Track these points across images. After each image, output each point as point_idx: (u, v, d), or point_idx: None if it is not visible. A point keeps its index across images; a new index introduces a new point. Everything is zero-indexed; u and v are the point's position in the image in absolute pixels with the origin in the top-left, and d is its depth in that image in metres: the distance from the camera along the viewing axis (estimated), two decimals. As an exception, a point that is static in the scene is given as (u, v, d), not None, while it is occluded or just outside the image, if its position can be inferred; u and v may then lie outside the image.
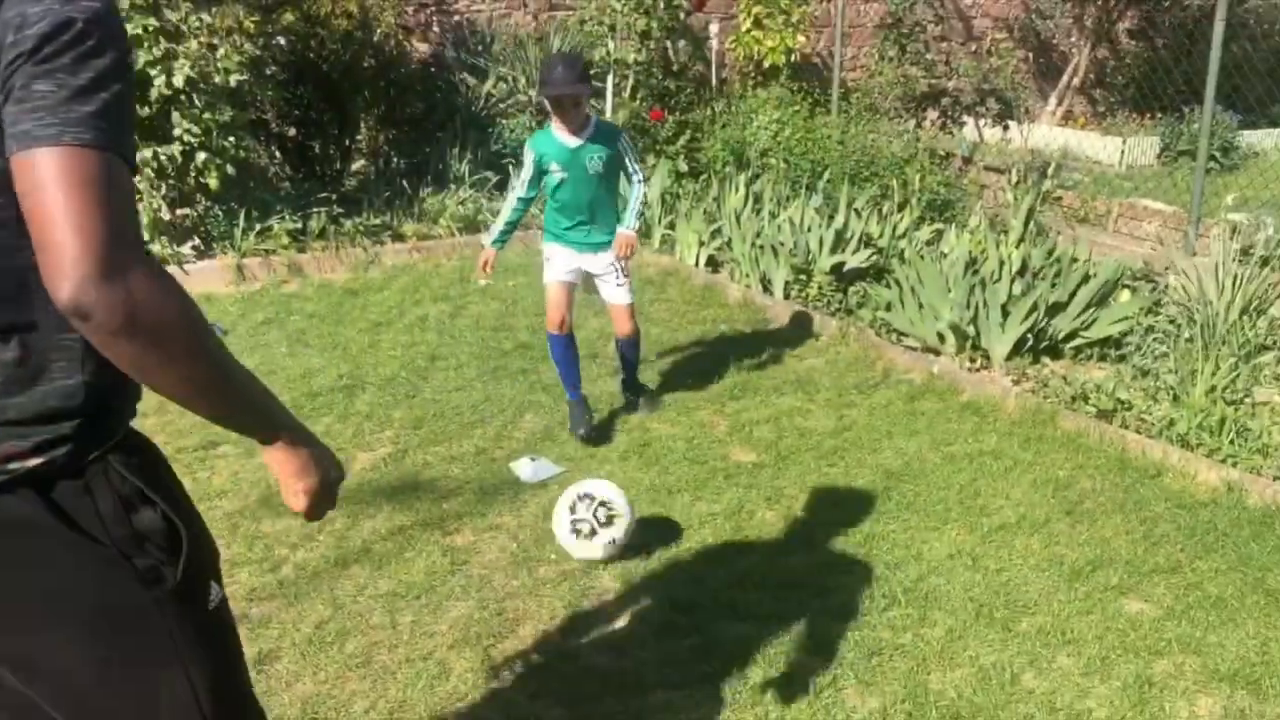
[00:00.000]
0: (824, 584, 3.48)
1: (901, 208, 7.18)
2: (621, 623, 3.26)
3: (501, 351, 5.54)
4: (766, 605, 3.35)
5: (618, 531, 3.53)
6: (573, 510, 3.54)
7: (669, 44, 9.14)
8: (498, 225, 4.68)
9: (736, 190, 7.23)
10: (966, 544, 3.76)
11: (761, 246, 6.46)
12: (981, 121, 9.10)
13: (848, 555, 3.67)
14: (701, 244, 6.94)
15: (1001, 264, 5.72)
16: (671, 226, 7.32)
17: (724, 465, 4.34)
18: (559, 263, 4.63)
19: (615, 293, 4.70)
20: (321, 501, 1.59)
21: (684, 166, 7.93)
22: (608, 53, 8.19)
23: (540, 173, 4.46)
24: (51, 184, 1.22)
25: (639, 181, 4.64)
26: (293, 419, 1.55)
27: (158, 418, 4.59)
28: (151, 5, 6.20)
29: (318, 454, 1.58)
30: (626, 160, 4.58)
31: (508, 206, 4.63)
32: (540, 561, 3.58)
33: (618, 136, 4.57)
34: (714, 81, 9.87)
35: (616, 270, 4.63)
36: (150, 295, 1.26)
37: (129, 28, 6.03)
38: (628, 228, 4.56)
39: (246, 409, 1.48)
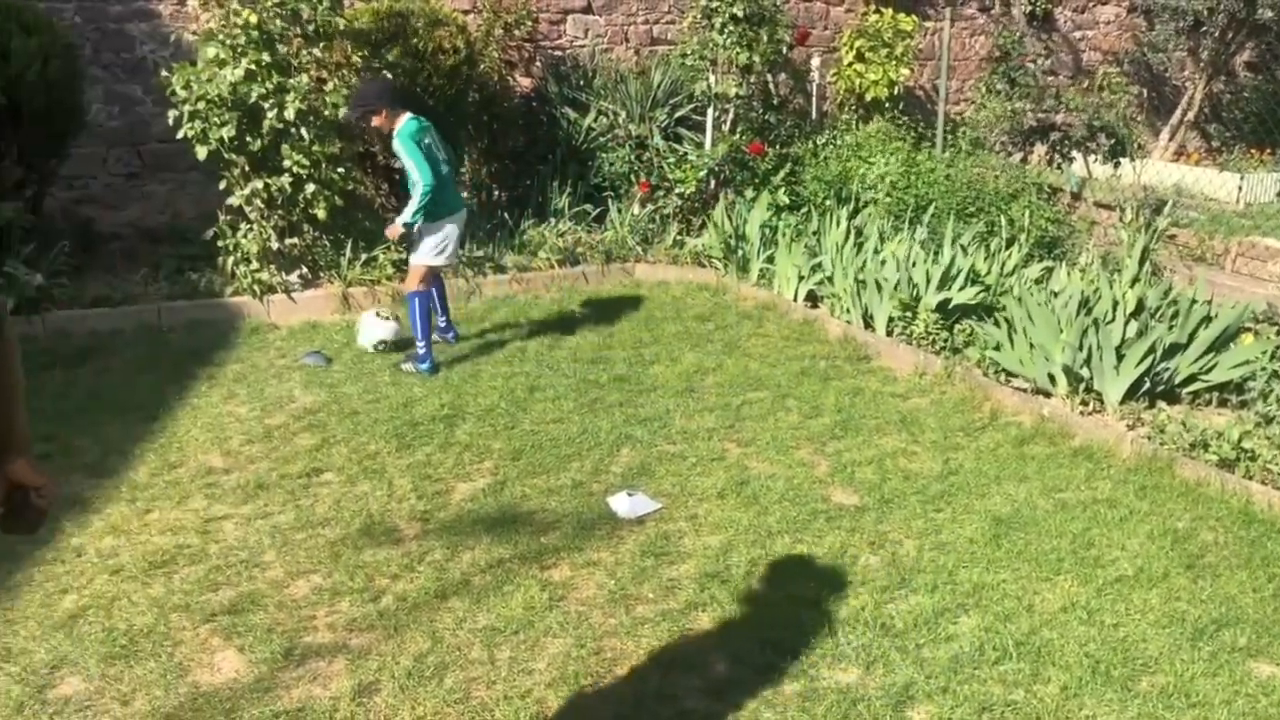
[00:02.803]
0: (931, 633, 3.37)
1: (1009, 244, 7.00)
2: (721, 665, 3.19)
3: (598, 384, 5.52)
4: (871, 652, 3.25)
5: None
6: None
7: (770, 77, 9.09)
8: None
9: (838, 224, 7.14)
10: (1081, 596, 3.60)
11: (863, 281, 6.35)
12: (1091, 157, 8.85)
13: (955, 604, 3.55)
14: (801, 278, 6.86)
15: (1115, 304, 5.53)
16: (770, 260, 7.26)
17: (825, 507, 4.25)
18: None
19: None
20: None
21: (784, 200, 7.86)
22: (708, 86, 8.18)
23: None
24: None
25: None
26: None
27: (264, 444, 4.67)
28: (265, 41, 6.37)
29: None
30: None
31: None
32: (638, 600, 3.53)
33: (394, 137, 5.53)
34: (814, 115, 9.80)
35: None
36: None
37: (244, 63, 6.25)
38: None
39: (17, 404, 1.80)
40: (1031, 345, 5.39)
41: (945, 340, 5.90)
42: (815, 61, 9.80)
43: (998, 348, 5.57)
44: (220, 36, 6.33)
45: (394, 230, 5.65)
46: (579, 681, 3.08)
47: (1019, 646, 3.29)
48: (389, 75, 7.19)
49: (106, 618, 3.33)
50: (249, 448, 4.65)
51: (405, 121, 5.56)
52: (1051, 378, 5.30)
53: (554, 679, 3.09)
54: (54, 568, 3.62)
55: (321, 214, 6.64)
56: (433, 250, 5.71)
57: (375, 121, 5.59)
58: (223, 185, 6.57)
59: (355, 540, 3.86)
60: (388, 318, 6.08)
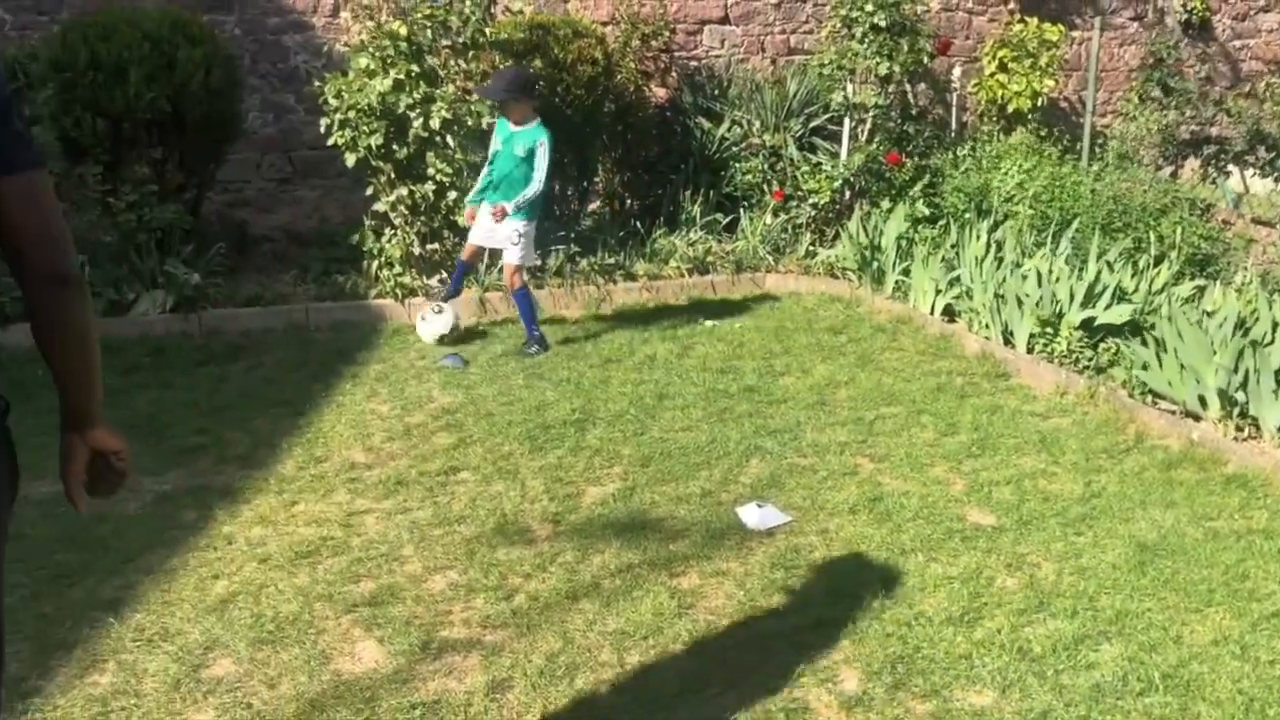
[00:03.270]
0: (1070, 659, 3.26)
1: (1158, 261, 6.74)
2: (851, 683, 3.15)
3: (728, 394, 5.52)
4: (1007, 675, 3.17)
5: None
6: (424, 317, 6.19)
7: (909, 87, 8.96)
8: (479, 185, 6.13)
9: (978, 238, 6.98)
10: (1234, 630, 3.44)
11: (1003, 297, 6.20)
12: (1248, 171, 8.46)
13: (1097, 631, 3.43)
14: (938, 292, 6.74)
15: (1276, 325, 5.26)
16: (906, 273, 7.14)
17: (960, 526, 4.15)
18: (479, 219, 6.10)
19: (507, 252, 6.11)
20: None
21: (921, 211, 7.73)
22: (845, 96, 8.11)
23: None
24: (53, 195, 1.76)
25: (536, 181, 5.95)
26: None
27: (404, 441, 4.82)
28: (414, 52, 6.58)
29: None
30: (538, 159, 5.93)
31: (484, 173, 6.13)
32: (768, 613, 3.51)
33: (536, 140, 5.90)
34: (954, 126, 9.62)
35: (511, 233, 6.01)
36: None
37: (394, 73, 6.47)
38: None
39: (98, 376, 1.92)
40: (1182, 366, 5.18)
41: (1089, 359, 5.71)
42: (956, 72, 9.62)
43: (1145, 368, 5.37)
44: (371, 48, 6.56)
45: (500, 210, 5.93)
46: (706, 691, 3.08)
47: (1165, 679, 3.16)
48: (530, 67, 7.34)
49: (255, 604, 3.48)
50: (390, 445, 4.80)
51: (540, 123, 5.92)
52: (1203, 400, 5.08)
53: (682, 688, 3.09)
54: (207, 554, 3.80)
55: (462, 221, 6.81)
56: (531, 252, 6.29)
57: (517, 112, 5.91)
58: (369, 191, 6.80)
59: (490, 538, 3.95)
60: (440, 311, 6.27)
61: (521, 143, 5.93)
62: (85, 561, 3.73)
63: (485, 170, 6.13)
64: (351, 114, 6.56)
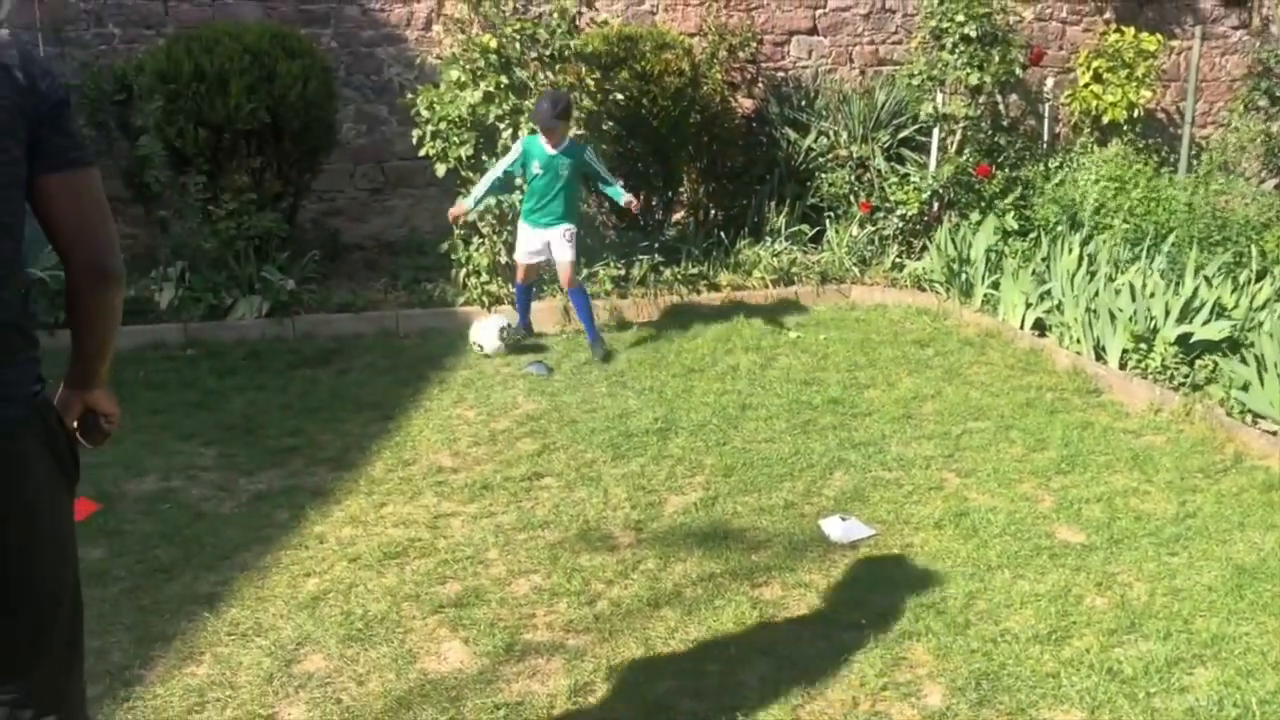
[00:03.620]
0: (1163, 682, 3.18)
1: (1260, 277, 6.53)
2: (934, 698, 3.11)
3: (811, 406, 5.49)
4: (1096, 696, 3.10)
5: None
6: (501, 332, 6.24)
7: (1000, 98, 8.83)
8: (477, 192, 6.25)
9: (1069, 250, 6.85)
10: (1337, 658, 3.32)
11: (1095, 311, 6.07)
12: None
13: (1191, 654, 3.34)
14: (1028, 305, 6.62)
15: (1384, 344, 5.07)
16: (995, 286, 7.03)
17: (1049, 543, 4.08)
18: (521, 238, 6.35)
19: (561, 250, 6.25)
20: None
21: (1012, 224, 7.60)
22: (935, 107, 8.02)
23: (523, 165, 6.15)
24: (98, 192, 1.91)
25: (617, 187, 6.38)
26: None
27: (489, 447, 4.89)
28: (503, 64, 6.68)
29: None
30: (599, 170, 6.34)
31: (486, 180, 6.24)
32: (850, 626, 3.49)
33: (583, 153, 6.23)
34: (1047, 137, 9.45)
35: (564, 235, 6.23)
36: None
37: (483, 85, 6.58)
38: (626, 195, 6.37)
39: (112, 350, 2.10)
40: (1284, 385, 5.01)
41: (1184, 376, 5.56)
42: (1049, 82, 9.46)
43: (1245, 387, 5.21)
44: (462, 60, 6.68)
45: (570, 231, 6.27)
46: (789, 701, 3.07)
47: (1263, 705, 3.07)
48: (619, 97, 7.40)
49: (345, 602, 3.56)
50: (475, 449, 4.87)
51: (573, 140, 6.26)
52: (1306, 421, 4.91)
53: (764, 696, 3.09)
54: (299, 552, 3.90)
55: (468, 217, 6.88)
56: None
57: (558, 135, 6.06)
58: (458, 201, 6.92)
59: (573, 544, 3.99)
60: (481, 322, 6.39)
61: (567, 162, 6.14)
62: (183, 557, 3.85)
63: (490, 181, 6.24)
64: (442, 125, 6.69)
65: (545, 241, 6.29)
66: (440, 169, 6.79)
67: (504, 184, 6.37)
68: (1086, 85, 9.50)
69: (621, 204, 6.39)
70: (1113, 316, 5.92)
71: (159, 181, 6.85)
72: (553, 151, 6.08)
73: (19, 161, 1.82)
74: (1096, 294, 6.20)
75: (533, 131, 6.27)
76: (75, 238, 1.89)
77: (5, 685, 1.97)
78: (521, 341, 6.42)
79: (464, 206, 6.31)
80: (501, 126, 6.70)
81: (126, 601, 3.53)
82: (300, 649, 3.30)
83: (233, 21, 7.23)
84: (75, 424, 2.11)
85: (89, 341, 2.02)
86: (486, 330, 6.26)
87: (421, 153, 6.88)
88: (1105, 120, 9.34)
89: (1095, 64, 9.42)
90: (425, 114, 6.72)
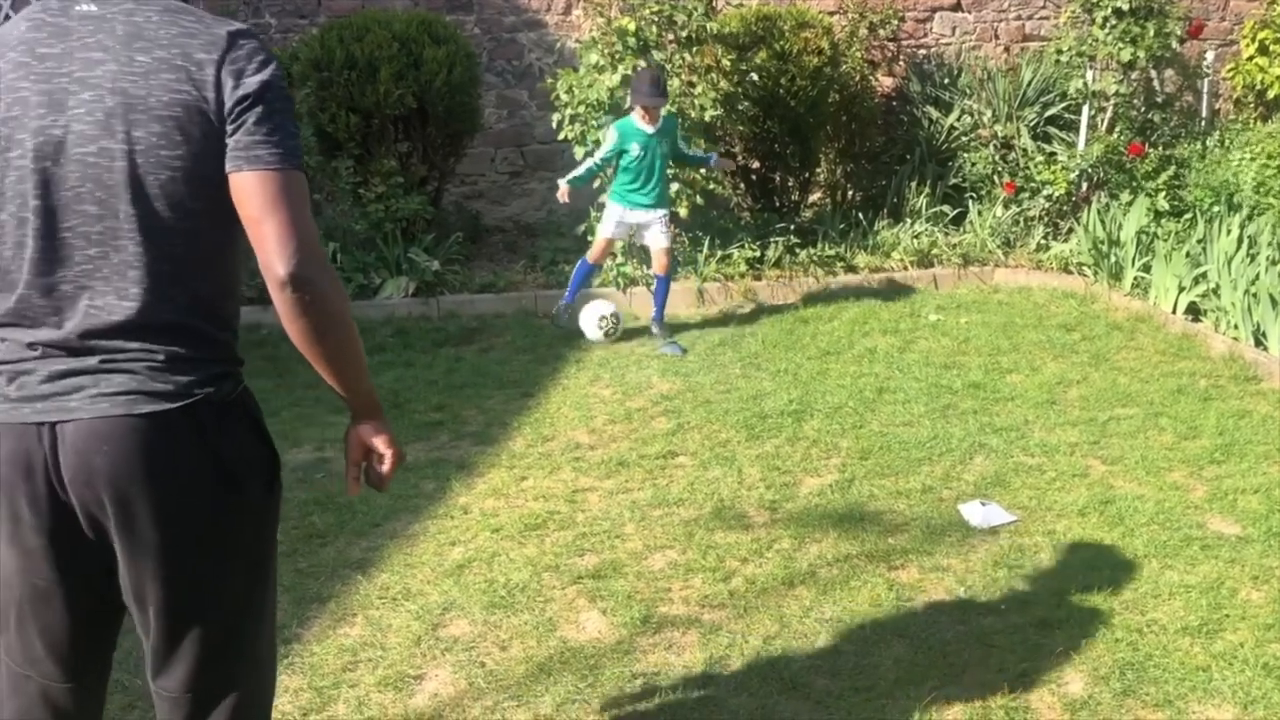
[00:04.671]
0: (1324, 683, 3.05)
1: None
2: (1076, 686, 3.05)
3: (951, 390, 5.40)
4: (1250, 692, 3.00)
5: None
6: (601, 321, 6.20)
7: (1154, 73, 8.48)
8: (578, 173, 6.28)
9: (1228, 232, 6.54)
10: None
11: (1256, 295, 5.79)
12: None
13: (1356, 654, 3.19)
14: (1181, 289, 6.36)
15: None
16: (1146, 269, 6.77)
17: (1200, 534, 3.94)
18: (613, 216, 6.30)
19: (659, 239, 6.29)
20: (396, 467, 2.03)
21: (1164, 205, 7.30)
22: (1084, 84, 7.74)
23: (620, 150, 6.09)
24: (284, 195, 1.73)
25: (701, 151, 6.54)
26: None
27: (625, 425, 4.97)
28: (641, 47, 6.74)
29: (391, 429, 2.03)
30: (681, 144, 6.33)
31: (588, 164, 6.29)
32: (988, 610, 3.44)
33: (675, 127, 6.27)
34: (1205, 114, 9.03)
35: (662, 223, 6.27)
36: (333, 277, 1.79)
37: (621, 68, 6.65)
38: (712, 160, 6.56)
39: (365, 381, 1.94)
40: None
41: (1354, 364, 5.28)
42: (1209, 56, 9.03)
43: None
44: (600, 44, 6.77)
45: (725, 162, 6.66)
46: (923, 684, 3.06)
47: None
48: (755, 77, 7.37)
49: (488, 570, 3.69)
50: (611, 427, 4.96)
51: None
52: None
53: (899, 677, 3.08)
54: (445, 522, 4.05)
55: (683, 212, 6.94)
56: None
57: (656, 113, 6.06)
58: (595, 184, 7.01)
59: (707, 522, 4.03)
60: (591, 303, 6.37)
61: (666, 140, 6.14)
62: (336, 523, 4.04)
63: (586, 170, 6.27)
64: (581, 109, 6.80)
65: (638, 223, 6.30)
66: (579, 152, 6.89)
67: (597, 172, 6.36)
68: (1250, 58, 9.03)
69: (713, 165, 6.46)
70: (1274, 301, 5.64)
71: (311, 166, 7.14)
72: (650, 130, 6.05)
73: (197, 157, 1.74)
74: (1257, 277, 5.92)
75: (626, 112, 6.30)
76: (256, 244, 1.75)
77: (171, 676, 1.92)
78: (561, 319, 6.41)
79: (565, 188, 6.30)
80: (639, 109, 6.76)
81: (285, 564, 3.72)
82: (446, 614, 3.43)
83: (382, 10, 7.47)
84: (359, 462, 2.02)
85: (316, 368, 1.86)
86: (587, 319, 6.27)
87: (560, 136, 7.00)
88: (1270, 95, 8.87)
89: (1261, 35, 8.95)
90: (564, 98, 6.83)
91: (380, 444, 2.00)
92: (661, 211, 6.26)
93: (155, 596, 1.83)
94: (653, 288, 6.48)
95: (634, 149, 6.09)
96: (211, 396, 1.79)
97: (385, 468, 2.01)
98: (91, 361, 1.73)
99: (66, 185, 1.72)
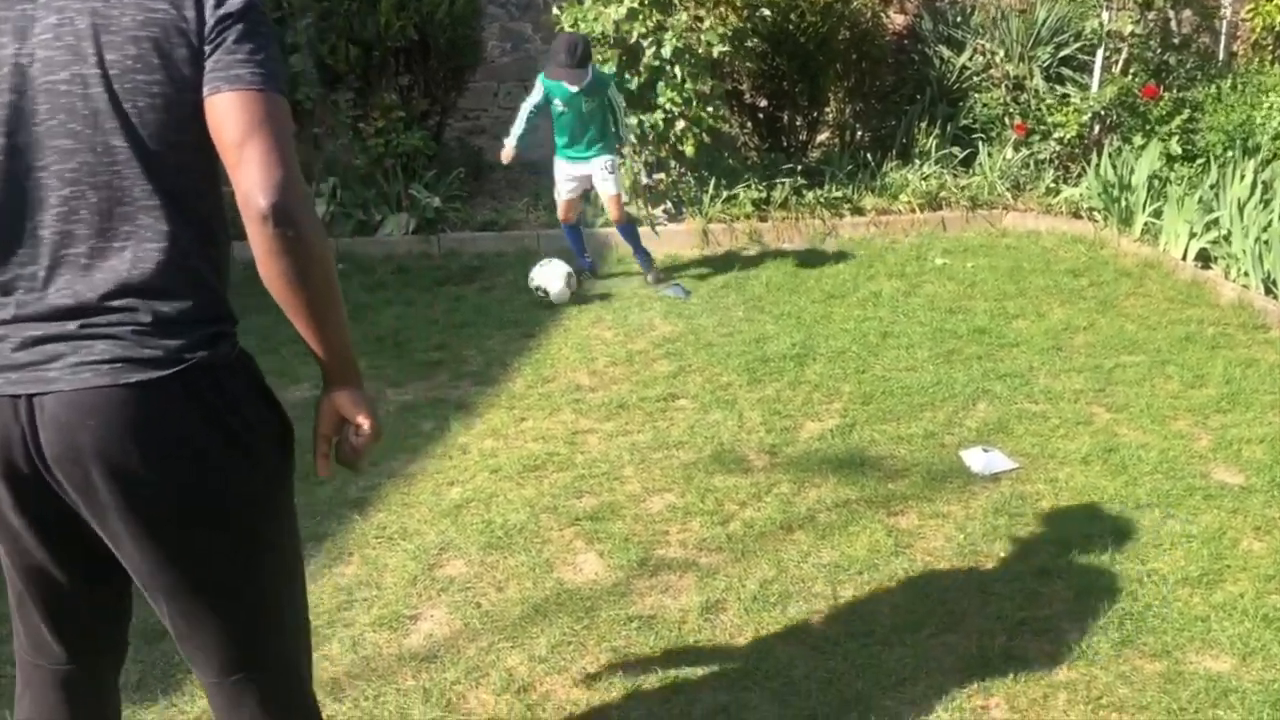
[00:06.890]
0: (1324, 635, 3.03)
1: None
2: (1073, 633, 3.04)
3: (956, 335, 5.35)
4: (1249, 643, 2.98)
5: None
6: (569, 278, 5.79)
7: (1172, 14, 8.29)
8: (517, 130, 5.92)
9: (1241, 178, 6.44)
10: None
11: (1268, 243, 5.71)
12: None
13: (1357, 607, 3.17)
14: (1192, 235, 6.27)
15: None
16: (1157, 214, 6.68)
17: (1203, 484, 3.90)
18: (559, 174, 6.07)
19: (604, 185, 5.99)
20: (373, 443, 1.84)
21: (1177, 149, 7.18)
22: (1099, 24, 7.58)
23: (546, 103, 5.84)
24: (268, 119, 1.56)
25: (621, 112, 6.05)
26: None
27: (626, 367, 4.93)
28: (647, -21, 6.59)
29: (373, 399, 1.84)
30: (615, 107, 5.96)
31: (518, 121, 5.95)
32: (988, 558, 3.43)
33: (608, 84, 5.90)
34: (1222, 56, 8.85)
35: (604, 169, 5.95)
36: (317, 217, 1.63)
37: (627, 1, 6.50)
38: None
39: (344, 336, 1.73)
40: None
41: (1365, 313, 5.21)
42: (1228, -5, 8.82)
43: None
44: (606, -25, 6.61)
45: (611, 162, 6.05)
46: (921, 630, 3.04)
47: None
48: (765, 12, 7.23)
49: (485, 511, 3.67)
50: (612, 369, 4.92)
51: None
52: None
53: (896, 624, 3.07)
54: (443, 462, 4.03)
55: (689, 151, 6.84)
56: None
57: (580, 77, 5.56)
58: (600, 120, 6.90)
59: (706, 465, 4.01)
60: (545, 264, 5.90)
61: (593, 95, 5.75)
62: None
63: (522, 121, 5.90)
64: (586, 42, 6.65)
65: (583, 175, 5.99)
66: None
67: (534, 122, 5.96)
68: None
69: (606, 156, 5.94)
70: (1287, 248, 5.57)
71: (310, 99, 7.03)
72: (574, 89, 5.63)
73: (177, 82, 1.58)
74: (1270, 224, 5.83)
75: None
76: (231, 170, 1.57)
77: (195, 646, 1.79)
78: (593, 271, 6.28)
79: (509, 149, 5.92)
80: (645, 44, 6.63)
81: (282, 502, 3.71)
82: (443, 554, 3.42)
83: (383, -61, 7.29)
84: (330, 434, 1.83)
85: (292, 319, 1.67)
86: (552, 275, 5.79)
87: (564, 71, 6.86)
88: (1290, 37, 8.68)
89: (1282, -25, 8.73)
90: (569, 30, 6.68)
91: (360, 417, 1.80)
92: (604, 159, 5.92)
93: (171, 580, 1.70)
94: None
95: (558, 105, 5.80)
96: (206, 360, 1.62)
97: (361, 442, 1.81)
98: (71, 326, 1.57)
99: (36, 119, 1.56)
